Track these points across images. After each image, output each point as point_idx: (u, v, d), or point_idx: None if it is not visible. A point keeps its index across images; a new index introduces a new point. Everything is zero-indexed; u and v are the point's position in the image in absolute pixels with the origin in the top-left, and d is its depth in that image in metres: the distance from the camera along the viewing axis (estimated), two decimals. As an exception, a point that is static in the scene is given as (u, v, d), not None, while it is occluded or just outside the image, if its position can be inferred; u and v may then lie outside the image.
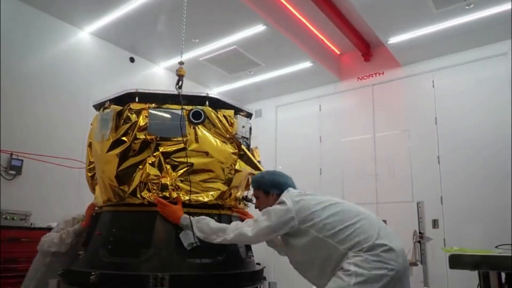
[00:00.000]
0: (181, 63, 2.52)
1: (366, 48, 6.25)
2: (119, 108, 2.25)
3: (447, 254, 1.87)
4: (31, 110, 4.64)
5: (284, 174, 2.22)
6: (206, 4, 4.56)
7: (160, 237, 2.08)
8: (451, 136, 5.31)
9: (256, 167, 2.42)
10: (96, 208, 2.48)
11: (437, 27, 4.99)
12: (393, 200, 5.56)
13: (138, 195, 2.12)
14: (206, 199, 2.18)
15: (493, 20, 4.76)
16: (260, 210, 2.19)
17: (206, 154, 2.20)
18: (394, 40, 5.34)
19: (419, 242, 4.06)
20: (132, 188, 2.14)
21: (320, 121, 6.64)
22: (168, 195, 2.12)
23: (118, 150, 2.17)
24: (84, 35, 5.39)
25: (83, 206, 2.63)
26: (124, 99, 2.29)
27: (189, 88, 2.36)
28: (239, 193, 2.42)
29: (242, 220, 2.23)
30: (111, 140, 2.19)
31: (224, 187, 2.24)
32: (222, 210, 2.29)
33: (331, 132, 6.45)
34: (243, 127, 2.39)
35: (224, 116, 2.32)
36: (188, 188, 2.13)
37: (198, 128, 2.23)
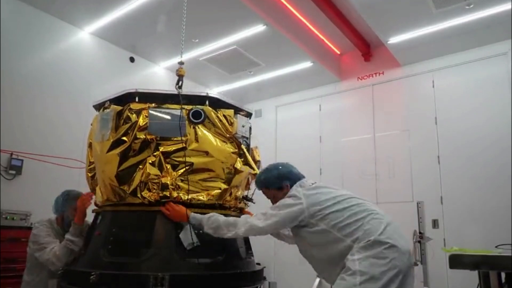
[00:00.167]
0: (181, 63, 2.53)
1: (366, 48, 6.25)
2: (119, 108, 2.25)
3: (447, 254, 1.87)
4: (31, 110, 4.63)
5: (285, 163, 2.24)
6: (206, 4, 4.56)
7: (160, 237, 2.08)
8: (451, 136, 5.30)
9: (252, 168, 2.42)
10: (95, 207, 2.47)
11: (437, 27, 4.99)
12: (393, 200, 5.55)
13: (139, 195, 2.13)
14: (206, 199, 2.18)
15: (493, 20, 4.76)
16: None
17: (206, 153, 2.20)
18: (394, 40, 5.34)
19: (419, 242, 4.05)
20: (132, 187, 2.14)
21: (320, 121, 6.64)
22: (168, 195, 2.12)
23: (118, 150, 2.17)
24: (84, 35, 5.38)
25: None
26: (124, 99, 2.29)
27: (189, 88, 2.37)
28: (239, 193, 2.43)
29: None
30: (111, 140, 2.19)
31: (224, 187, 2.24)
32: (223, 210, 2.29)
33: (331, 132, 6.44)
34: (243, 126, 2.40)
35: (224, 116, 2.32)
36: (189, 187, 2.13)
37: (198, 127, 2.23)
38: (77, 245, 2.39)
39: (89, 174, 2.54)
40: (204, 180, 2.20)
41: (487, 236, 4.53)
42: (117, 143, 2.18)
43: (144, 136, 2.16)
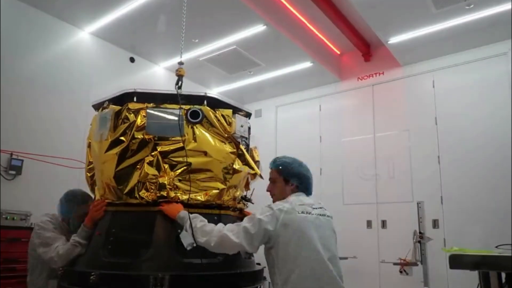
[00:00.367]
0: (180, 63, 2.52)
1: (366, 48, 6.25)
2: (117, 108, 2.24)
3: (447, 254, 1.87)
4: (31, 110, 4.63)
5: (310, 171, 2.23)
6: (206, 4, 4.56)
7: (160, 237, 2.07)
8: (451, 136, 5.30)
9: (251, 168, 2.42)
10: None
11: (437, 27, 4.98)
12: (393, 200, 5.55)
13: (136, 195, 2.12)
14: (203, 199, 2.18)
15: (493, 20, 4.75)
16: (271, 195, 2.19)
17: (205, 153, 2.20)
18: (394, 40, 5.34)
19: (419, 242, 4.06)
20: (129, 188, 2.14)
21: (320, 121, 6.64)
22: (166, 195, 2.12)
23: (116, 150, 2.16)
24: (84, 35, 5.38)
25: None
26: (123, 99, 2.28)
27: (189, 88, 2.36)
28: (238, 193, 2.42)
29: None
30: (110, 140, 2.18)
31: (222, 187, 2.24)
32: (221, 210, 2.29)
33: (331, 132, 6.44)
34: (242, 126, 2.39)
35: (222, 116, 2.31)
36: (187, 187, 2.13)
37: (196, 127, 2.22)
38: (83, 247, 2.31)
39: (89, 174, 2.54)
40: (202, 180, 2.20)
41: (487, 236, 4.53)
42: (115, 143, 2.18)
43: (142, 136, 2.15)
